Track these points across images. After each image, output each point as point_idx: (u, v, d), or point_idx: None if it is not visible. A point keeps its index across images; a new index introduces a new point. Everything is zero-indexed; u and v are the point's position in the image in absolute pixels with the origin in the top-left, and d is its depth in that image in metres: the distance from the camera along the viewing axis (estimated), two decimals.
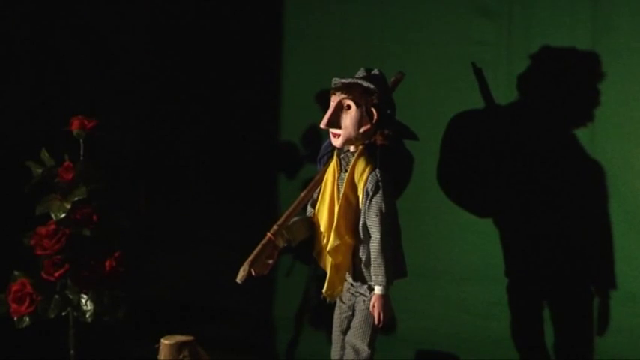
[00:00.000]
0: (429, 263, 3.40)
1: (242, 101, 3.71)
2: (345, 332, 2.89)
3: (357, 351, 2.83)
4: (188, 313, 3.67)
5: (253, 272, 2.76)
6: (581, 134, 3.11)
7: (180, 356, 2.93)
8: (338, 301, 2.91)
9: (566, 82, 3.13)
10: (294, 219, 2.86)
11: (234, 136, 3.73)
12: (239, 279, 2.77)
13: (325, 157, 2.90)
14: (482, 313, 3.32)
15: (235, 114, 3.72)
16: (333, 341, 2.95)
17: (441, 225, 3.37)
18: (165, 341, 2.94)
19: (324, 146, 2.92)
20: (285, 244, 2.86)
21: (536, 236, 3.22)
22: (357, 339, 2.83)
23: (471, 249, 3.32)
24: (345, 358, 2.87)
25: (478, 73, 3.21)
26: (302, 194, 2.89)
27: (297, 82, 3.58)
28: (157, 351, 2.96)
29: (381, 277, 2.72)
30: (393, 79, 2.94)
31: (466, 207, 3.28)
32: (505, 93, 3.22)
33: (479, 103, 3.24)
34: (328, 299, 2.87)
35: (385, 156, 2.75)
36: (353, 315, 2.86)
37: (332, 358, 2.94)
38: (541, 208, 3.19)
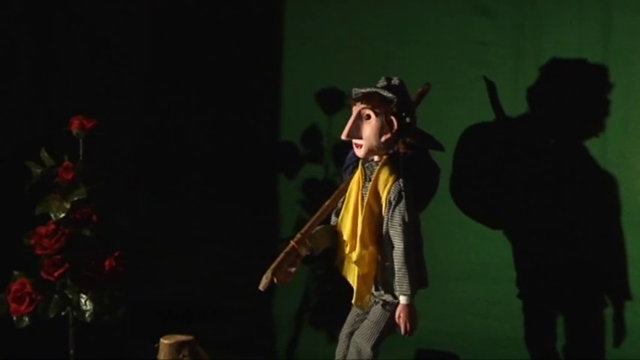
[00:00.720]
0: (429, 263, 3.38)
1: (242, 101, 3.71)
2: (353, 333, 2.88)
3: (359, 351, 2.83)
4: (188, 313, 3.67)
5: (276, 280, 2.77)
6: (582, 134, 3.11)
7: (180, 356, 2.93)
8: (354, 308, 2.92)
9: (567, 83, 3.13)
10: (317, 228, 2.86)
11: (235, 137, 3.73)
12: (262, 286, 2.76)
13: (351, 167, 2.90)
14: (482, 313, 3.32)
15: (235, 114, 3.72)
16: (340, 340, 2.94)
17: (441, 225, 3.36)
18: (164, 341, 2.95)
19: (349, 156, 2.92)
20: (308, 253, 2.86)
21: (536, 236, 3.21)
22: (363, 339, 2.83)
23: (471, 249, 3.31)
24: (348, 357, 2.87)
25: (490, 87, 3.21)
26: (326, 203, 2.88)
27: (298, 82, 3.58)
28: (156, 351, 2.96)
29: (406, 287, 2.73)
30: (419, 90, 2.95)
31: (467, 207, 3.28)
32: (506, 93, 3.22)
33: (479, 103, 3.24)
34: (359, 310, 2.87)
35: (409, 166, 2.75)
36: (369, 317, 2.86)
37: (336, 356, 2.94)
38: (541, 208, 3.19)
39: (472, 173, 3.29)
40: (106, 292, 3.07)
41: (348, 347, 2.89)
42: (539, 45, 3.16)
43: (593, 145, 3.10)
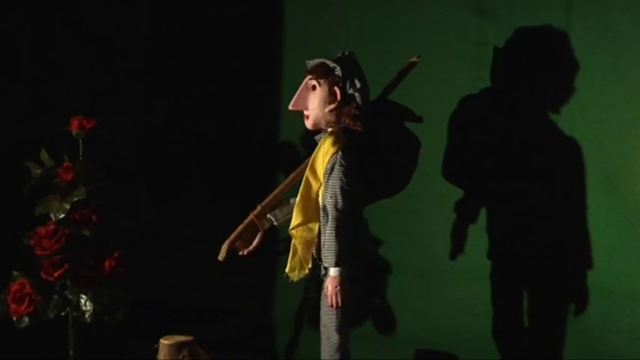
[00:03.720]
0: (429, 263, 3.40)
1: (242, 101, 3.71)
2: None
3: (327, 337, 2.83)
4: (188, 313, 3.67)
5: (240, 252, 2.85)
6: (582, 134, 3.11)
7: (180, 356, 2.93)
8: (322, 289, 2.89)
9: (565, 83, 3.13)
10: (280, 200, 2.89)
11: (235, 137, 3.73)
12: (220, 257, 2.87)
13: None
14: (482, 312, 3.31)
15: (235, 114, 3.72)
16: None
17: (441, 225, 3.36)
18: (164, 341, 2.95)
19: None
20: (269, 225, 2.90)
21: (535, 236, 3.21)
22: (327, 325, 2.82)
23: (472, 249, 3.31)
24: (322, 347, 2.86)
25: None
26: (290, 176, 2.92)
27: (297, 82, 3.56)
28: (156, 351, 2.97)
29: (331, 259, 2.72)
30: (408, 62, 2.95)
31: (469, 207, 3.29)
32: (505, 93, 3.22)
33: (479, 103, 3.24)
34: (290, 279, 2.85)
35: (388, 140, 2.78)
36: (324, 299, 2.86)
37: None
38: (540, 209, 3.19)
39: (473, 173, 3.29)
40: (105, 292, 3.07)
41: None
42: (537, 45, 3.16)
43: (592, 146, 3.10)
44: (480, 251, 3.29)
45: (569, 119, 3.13)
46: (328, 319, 2.81)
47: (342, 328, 2.81)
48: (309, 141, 3.41)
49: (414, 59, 2.95)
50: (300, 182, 2.88)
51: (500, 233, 3.26)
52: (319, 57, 3.49)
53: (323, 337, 2.84)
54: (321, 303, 2.89)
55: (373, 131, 2.79)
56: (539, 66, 3.16)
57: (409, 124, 2.92)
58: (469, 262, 3.32)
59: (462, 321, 3.37)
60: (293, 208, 2.86)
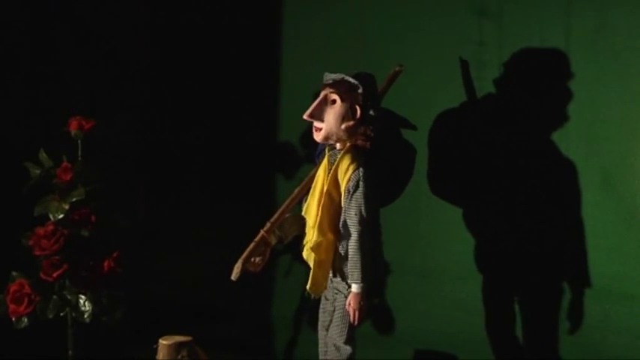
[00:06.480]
0: (429, 263, 3.40)
1: (241, 102, 3.71)
2: (327, 329, 2.89)
3: (337, 348, 2.85)
4: (187, 313, 3.67)
5: (248, 269, 2.83)
6: (580, 134, 3.11)
7: (179, 356, 2.93)
8: (322, 298, 2.93)
9: (564, 82, 3.12)
10: (286, 216, 2.89)
11: (234, 137, 3.73)
12: (234, 276, 2.85)
13: (323, 153, 2.91)
14: (481, 313, 3.31)
15: (234, 114, 3.72)
16: (319, 338, 2.95)
17: (440, 225, 3.36)
18: (163, 342, 2.95)
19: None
20: (277, 241, 2.90)
21: (535, 236, 3.21)
22: (337, 337, 2.84)
23: (470, 249, 3.31)
24: (328, 356, 2.88)
25: (464, 67, 3.22)
26: (295, 191, 2.92)
27: (296, 82, 3.58)
28: (155, 351, 2.97)
29: (357, 276, 2.73)
30: (392, 71, 2.95)
31: (467, 207, 3.28)
32: (504, 93, 3.21)
33: (478, 103, 3.24)
34: (313, 295, 2.88)
35: (384, 148, 2.77)
36: (335, 311, 2.87)
37: (320, 355, 2.95)
38: (539, 209, 3.19)
39: (472, 173, 3.29)
40: (104, 292, 3.08)
41: (326, 344, 2.90)
42: (536, 45, 3.15)
43: (592, 146, 3.10)
44: (478, 251, 3.29)
45: (569, 119, 3.12)
46: (339, 331, 2.83)
47: (352, 339, 2.85)
48: (308, 141, 3.44)
49: (398, 69, 2.97)
50: (305, 196, 2.89)
51: (499, 233, 3.26)
52: (317, 57, 3.53)
53: (330, 348, 2.86)
54: (324, 314, 2.91)
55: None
56: (538, 66, 3.16)
57: (407, 131, 2.94)
58: (468, 262, 3.32)
59: (462, 321, 3.36)
60: (298, 221, 2.88)
